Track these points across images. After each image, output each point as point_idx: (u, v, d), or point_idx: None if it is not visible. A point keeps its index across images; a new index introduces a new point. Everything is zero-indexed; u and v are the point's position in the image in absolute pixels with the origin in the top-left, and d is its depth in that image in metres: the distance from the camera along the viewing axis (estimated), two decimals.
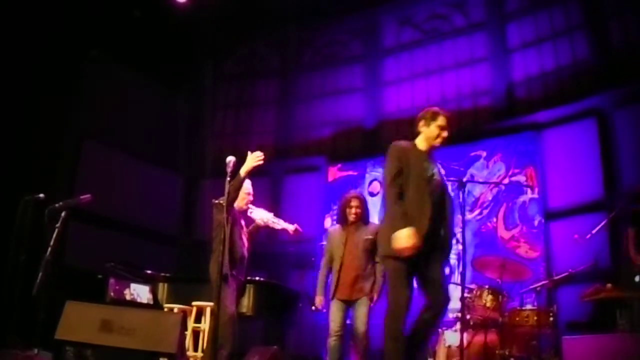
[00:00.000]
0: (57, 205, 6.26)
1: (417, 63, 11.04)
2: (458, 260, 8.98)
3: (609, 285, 6.61)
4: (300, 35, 12.23)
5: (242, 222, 6.57)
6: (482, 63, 10.39)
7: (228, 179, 5.82)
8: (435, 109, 5.47)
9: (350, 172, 10.89)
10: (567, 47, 9.47)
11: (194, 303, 7.54)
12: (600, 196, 8.50)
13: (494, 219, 9.39)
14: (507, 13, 10.27)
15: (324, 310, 8.38)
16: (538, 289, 6.85)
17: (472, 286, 7.19)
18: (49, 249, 6.02)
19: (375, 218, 10.19)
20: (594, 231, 6.79)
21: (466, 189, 9.14)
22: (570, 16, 9.51)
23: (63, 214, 6.20)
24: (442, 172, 5.40)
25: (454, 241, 6.05)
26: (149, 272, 8.64)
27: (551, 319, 6.70)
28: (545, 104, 9.45)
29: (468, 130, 10.15)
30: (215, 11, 11.57)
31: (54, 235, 6.08)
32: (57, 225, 6.14)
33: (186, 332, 7.48)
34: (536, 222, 9.00)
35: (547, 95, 9.55)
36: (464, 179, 6.65)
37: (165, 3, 10.84)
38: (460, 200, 6.38)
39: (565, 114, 9.15)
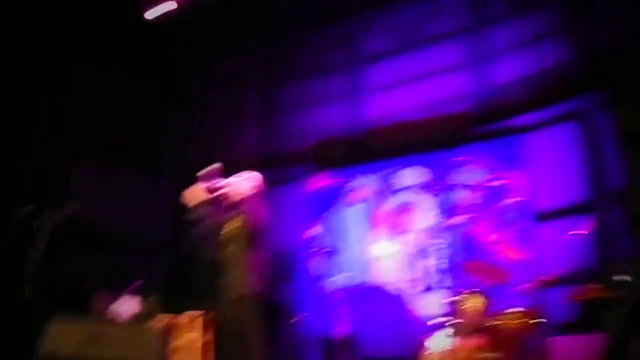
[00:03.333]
0: (45, 217, 6.23)
1: (397, 70, 10.96)
2: (444, 265, 8.98)
3: (597, 285, 6.59)
4: (282, 45, 12.14)
5: None
6: (463, 68, 10.34)
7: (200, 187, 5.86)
8: None
9: (333, 181, 10.81)
10: (549, 50, 9.45)
11: (185, 313, 7.54)
12: (584, 199, 8.48)
13: (477, 223, 9.33)
14: (486, 18, 10.24)
15: (309, 321, 8.35)
16: (523, 291, 6.79)
17: (458, 290, 7.15)
18: (36, 261, 6.00)
19: (359, 225, 10.30)
20: (577, 233, 6.76)
21: (449, 194, 9.36)
22: (552, 20, 9.50)
23: (49, 224, 6.19)
24: None
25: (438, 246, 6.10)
26: (137, 283, 8.75)
27: (538, 321, 6.64)
28: (527, 107, 9.42)
29: (449, 136, 10.09)
30: (198, 21, 11.56)
31: (41, 248, 6.04)
32: (43, 236, 6.10)
33: (177, 343, 7.48)
34: (519, 226, 8.95)
35: (529, 98, 9.50)
36: (445, 184, 6.61)
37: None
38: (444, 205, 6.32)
39: (546, 117, 9.14)
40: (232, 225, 6.06)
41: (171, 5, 10.70)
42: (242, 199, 5.97)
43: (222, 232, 6.08)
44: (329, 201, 10.73)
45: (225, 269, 5.94)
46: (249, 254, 5.96)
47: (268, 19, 11.87)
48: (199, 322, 7.14)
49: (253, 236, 6.00)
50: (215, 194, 6.06)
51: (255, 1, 11.60)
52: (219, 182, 6.00)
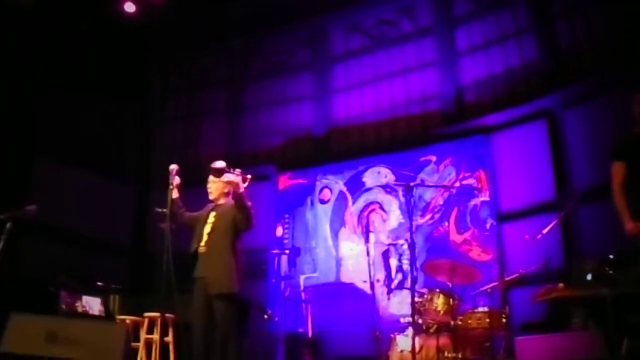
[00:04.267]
0: (1, 216, 6.14)
1: (365, 69, 10.94)
2: (410, 265, 8.94)
3: (560, 285, 6.55)
4: (248, 45, 12.06)
5: None
6: (430, 68, 10.33)
7: (171, 187, 5.82)
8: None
9: (301, 180, 10.75)
10: (515, 49, 9.45)
11: (145, 314, 7.54)
12: (551, 196, 8.47)
13: (446, 223, 9.33)
14: (455, 17, 10.23)
15: (276, 319, 8.29)
16: (489, 290, 6.74)
17: (423, 290, 7.10)
18: None
19: (325, 225, 10.24)
20: (544, 231, 6.75)
21: (417, 194, 9.29)
22: (518, 19, 9.48)
23: (8, 225, 6.12)
24: None
25: (405, 246, 6.05)
26: (99, 284, 8.80)
27: (504, 320, 6.62)
28: (494, 106, 9.42)
29: (417, 135, 10.09)
30: (163, 23, 11.45)
31: (0, 247, 5.94)
32: (2, 236, 6.01)
33: (138, 344, 7.59)
34: (488, 225, 8.97)
35: (496, 98, 9.52)
36: (412, 184, 6.54)
37: (113, 15, 10.67)
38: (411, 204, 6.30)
39: (514, 116, 9.12)
40: (224, 215, 6.12)
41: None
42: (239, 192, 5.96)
43: (211, 221, 6.16)
44: (295, 200, 10.65)
45: (207, 262, 6.00)
46: (234, 248, 6.00)
47: (233, 20, 11.77)
48: (160, 323, 7.02)
49: (243, 226, 6.06)
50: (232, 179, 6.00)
51: (220, 2, 11.51)
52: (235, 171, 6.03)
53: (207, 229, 6.15)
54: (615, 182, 5.73)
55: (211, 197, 6.35)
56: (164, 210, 5.91)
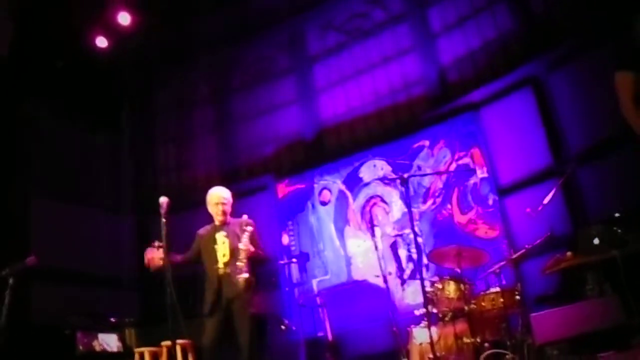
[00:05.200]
0: (2, 273, 6.13)
1: (345, 65, 10.89)
2: (417, 255, 8.91)
3: (568, 253, 6.48)
4: (227, 58, 11.98)
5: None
6: (409, 53, 10.28)
7: (164, 220, 5.76)
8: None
9: (299, 185, 10.68)
10: (490, 21, 9.40)
11: (162, 343, 7.48)
12: (549, 163, 8.39)
13: (449, 206, 9.25)
14: None
15: (294, 328, 8.24)
16: (497, 270, 6.65)
17: (434, 279, 7.03)
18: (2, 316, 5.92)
19: (330, 226, 10.18)
20: (545, 201, 6.65)
21: (415, 181, 9.25)
22: None
23: (11, 281, 6.10)
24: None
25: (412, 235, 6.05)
26: (112, 319, 8.89)
27: (517, 297, 6.51)
28: (478, 82, 9.35)
29: (407, 122, 10.03)
30: (137, 50, 11.49)
31: (6, 303, 5.92)
32: (7, 292, 6.01)
33: None
34: (490, 201, 8.88)
35: (479, 73, 9.46)
36: (405, 175, 6.46)
37: (88, 49, 10.72)
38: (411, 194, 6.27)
39: (499, 88, 9.06)
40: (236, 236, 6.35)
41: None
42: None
43: (222, 242, 6.37)
44: (296, 206, 10.59)
45: (228, 283, 6.18)
46: (250, 267, 6.14)
47: (207, 36, 11.78)
48: (178, 349, 6.99)
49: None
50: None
51: (193, 21, 11.48)
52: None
53: (223, 250, 6.31)
54: (625, 96, 4.88)
55: (222, 218, 6.54)
56: (161, 244, 5.87)
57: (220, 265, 6.25)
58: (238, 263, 6.06)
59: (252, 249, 6.17)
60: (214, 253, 6.33)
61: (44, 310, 9.20)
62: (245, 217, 6.43)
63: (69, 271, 10.11)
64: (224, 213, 6.53)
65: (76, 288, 10.10)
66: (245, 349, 6.02)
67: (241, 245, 6.11)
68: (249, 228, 6.25)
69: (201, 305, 6.32)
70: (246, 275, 5.99)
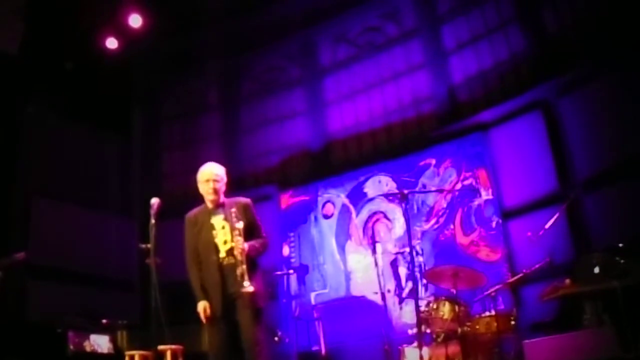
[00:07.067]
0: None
1: (356, 79, 10.82)
2: (411, 273, 8.80)
3: (567, 281, 6.35)
4: (237, 66, 11.96)
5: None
6: (420, 70, 10.19)
7: (153, 221, 5.66)
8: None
9: (303, 197, 10.61)
10: (503, 41, 9.29)
11: (160, 347, 7.33)
12: (555, 188, 8.27)
13: (452, 226, 9.14)
14: (439, 16, 10.09)
15: (287, 340, 8.13)
16: (493, 294, 6.54)
17: (430, 298, 6.93)
18: None
19: (331, 240, 10.09)
20: (546, 226, 6.56)
21: (419, 200, 9.16)
22: (502, 10, 9.33)
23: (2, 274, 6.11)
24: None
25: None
26: (104, 321, 8.76)
27: (512, 322, 6.41)
28: (488, 102, 9.25)
29: (414, 139, 9.94)
30: (147, 53, 11.54)
31: None
32: None
33: None
34: (494, 224, 8.76)
35: (489, 93, 9.36)
36: (406, 192, 6.39)
37: (99, 50, 10.71)
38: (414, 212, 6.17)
39: (509, 109, 8.94)
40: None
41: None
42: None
43: (222, 227, 5.63)
44: (299, 218, 10.52)
45: (232, 276, 5.44)
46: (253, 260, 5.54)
47: (219, 43, 11.74)
48: (170, 355, 6.90)
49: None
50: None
51: (204, 26, 11.50)
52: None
53: (223, 236, 5.60)
54: None
55: (214, 197, 5.73)
56: (148, 245, 5.75)
57: (223, 254, 5.52)
58: (238, 270, 5.31)
59: (246, 248, 5.36)
60: (211, 241, 5.58)
61: (44, 310, 9.18)
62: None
63: (72, 271, 10.13)
64: (216, 192, 5.71)
65: (76, 287, 10.10)
66: (252, 347, 5.37)
67: (239, 244, 5.35)
68: (245, 201, 5.69)
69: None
70: (251, 288, 5.25)
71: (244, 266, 5.31)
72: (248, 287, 5.24)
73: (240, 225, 5.41)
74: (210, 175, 5.79)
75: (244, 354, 5.41)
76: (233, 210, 5.51)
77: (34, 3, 10.02)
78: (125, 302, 10.74)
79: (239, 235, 5.39)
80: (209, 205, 5.76)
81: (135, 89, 12.18)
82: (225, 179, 5.89)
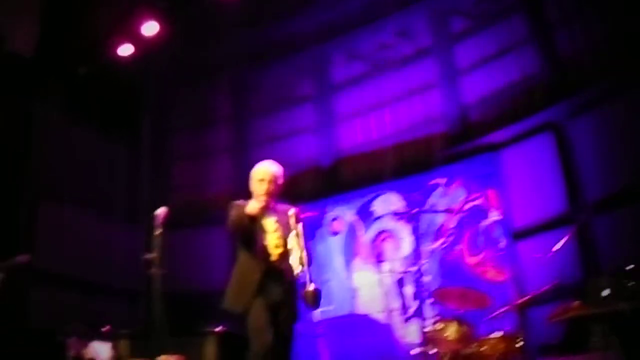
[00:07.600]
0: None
1: (368, 96, 10.80)
2: (417, 294, 8.72)
3: (576, 303, 6.28)
4: (249, 80, 11.99)
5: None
6: (432, 89, 10.16)
7: (159, 231, 5.64)
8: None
9: (310, 213, 10.55)
10: (516, 62, 9.24)
11: (163, 356, 7.29)
12: (565, 210, 8.21)
13: (459, 246, 9.08)
14: (453, 35, 10.07)
15: None
16: (500, 315, 6.48)
17: (436, 319, 6.87)
18: None
19: (338, 257, 10.03)
20: (555, 248, 6.51)
21: (427, 219, 9.11)
22: (515, 31, 9.28)
23: (1, 276, 6.09)
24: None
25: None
26: (106, 329, 8.61)
27: (519, 344, 6.33)
28: (499, 123, 9.18)
29: (424, 158, 9.86)
30: (162, 61, 11.61)
31: None
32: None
33: None
34: (502, 245, 8.69)
35: (501, 114, 9.28)
36: (413, 211, 6.36)
37: (111, 57, 10.74)
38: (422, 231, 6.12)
39: (520, 131, 8.89)
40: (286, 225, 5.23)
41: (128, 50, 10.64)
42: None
43: (274, 230, 5.31)
44: (306, 234, 10.44)
45: (282, 284, 5.17)
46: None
47: (232, 56, 11.80)
48: None
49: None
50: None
51: (218, 38, 11.50)
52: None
53: (275, 240, 5.27)
54: None
55: (265, 199, 5.37)
56: (153, 255, 5.74)
57: (274, 257, 5.18)
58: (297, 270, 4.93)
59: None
60: (261, 241, 5.21)
61: (46, 316, 9.24)
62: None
63: (76, 278, 10.13)
64: (268, 194, 5.33)
65: (80, 295, 10.11)
66: None
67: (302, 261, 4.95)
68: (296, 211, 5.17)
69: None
70: (313, 285, 4.84)
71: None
72: (310, 285, 4.86)
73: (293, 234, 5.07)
74: (266, 174, 5.47)
75: None
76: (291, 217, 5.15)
77: (50, 6, 10.12)
78: (129, 311, 10.72)
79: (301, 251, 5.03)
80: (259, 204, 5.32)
81: (146, 97, 12.23)
82: (281, 180, 5.53)
